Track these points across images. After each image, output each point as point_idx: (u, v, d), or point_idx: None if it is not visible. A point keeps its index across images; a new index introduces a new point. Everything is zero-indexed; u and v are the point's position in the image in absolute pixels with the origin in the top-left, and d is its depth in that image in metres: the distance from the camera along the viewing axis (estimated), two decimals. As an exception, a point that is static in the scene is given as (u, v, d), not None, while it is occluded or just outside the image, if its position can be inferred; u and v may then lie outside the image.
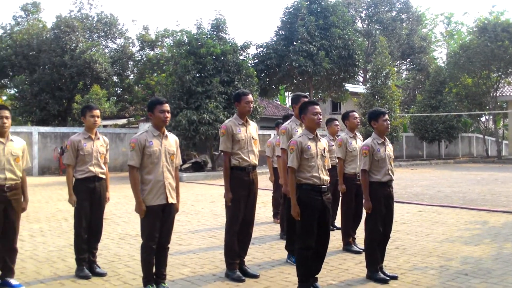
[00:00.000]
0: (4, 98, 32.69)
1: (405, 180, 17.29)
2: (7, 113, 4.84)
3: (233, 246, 5.15)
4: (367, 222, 5.16)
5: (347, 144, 6.47)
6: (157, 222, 4.48)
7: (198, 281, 5.08)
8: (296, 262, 4.66)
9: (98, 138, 5.50)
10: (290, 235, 5.69)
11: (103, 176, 5.44)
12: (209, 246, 6.69)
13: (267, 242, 6.92)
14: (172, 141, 4.67)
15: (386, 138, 5.34)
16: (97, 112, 5.46)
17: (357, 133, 6.73)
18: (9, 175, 4.74)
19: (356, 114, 6.67)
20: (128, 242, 6.95)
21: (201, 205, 10.97)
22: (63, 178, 18.75)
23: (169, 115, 4.56)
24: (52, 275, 5.31)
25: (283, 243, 6.70)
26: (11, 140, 4.87)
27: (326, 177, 4.63)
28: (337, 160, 6.75)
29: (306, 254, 4.53)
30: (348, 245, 6.33)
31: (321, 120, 4.68)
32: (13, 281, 4.84)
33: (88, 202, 5.30)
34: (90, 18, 29.55)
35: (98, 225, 5.43)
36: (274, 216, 8.50)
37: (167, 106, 4.55)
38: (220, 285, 4.95)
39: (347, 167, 6.47)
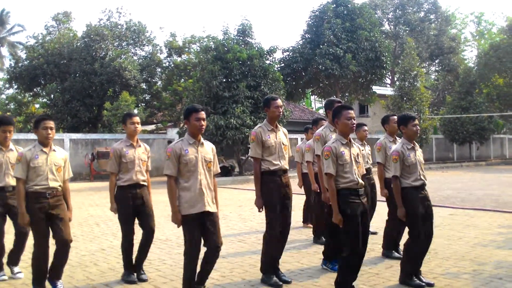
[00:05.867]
0: (37, 106, 33.50)
1: (436, 183, 17.00)
2: (52, 123, 4.91)
3: (273, 250, 5.13)
4: (408, 228, 5.06)
5: (386, 149, 6.31)
6: (197, 230, 4.44)
7: (228, 285, 5.11)
8: (340, 269, 4.53)
9: (140, 146, 5.52)
10: (330, 241, 5.59)
11: (145, 184, 5.46)
12: (238, 251, 6.71)
13: (296, 247, 6.90)
14: (208, 148, 4.63)
15: (416, 143, 5.27)
16: (137, 119, 5.50)
17: (397, 138, 6.57)
18: (51, 184, 4.81)
19: (396, 119, 6.40)
20: (158, 246, 7.03)
21: (229, 209, 11.02)
22: (94, 184, 19.11)
23: (204, 123, 4.51)
24: (84, 279, 5.43)
25: (312, 248, 6.68)
26: (54, 150, 4.95)
27: (361, 181, 4.58)
28: (367, 165, 6.66)
29: (354, 261, 4.45)
30: (387, 251, 6.17)
31: (354, 125, 4.64)
32: (59, 285, 4.91)
33: (132, 206, 5.30)
34: (119, 26, 30.01)
35: (148, 233, 5.37)
36: (304, 221, 8.46)
37: (203, 114, 4.50)
38: (249, 289, 4.97)
39: (387, 171, 6.28)
